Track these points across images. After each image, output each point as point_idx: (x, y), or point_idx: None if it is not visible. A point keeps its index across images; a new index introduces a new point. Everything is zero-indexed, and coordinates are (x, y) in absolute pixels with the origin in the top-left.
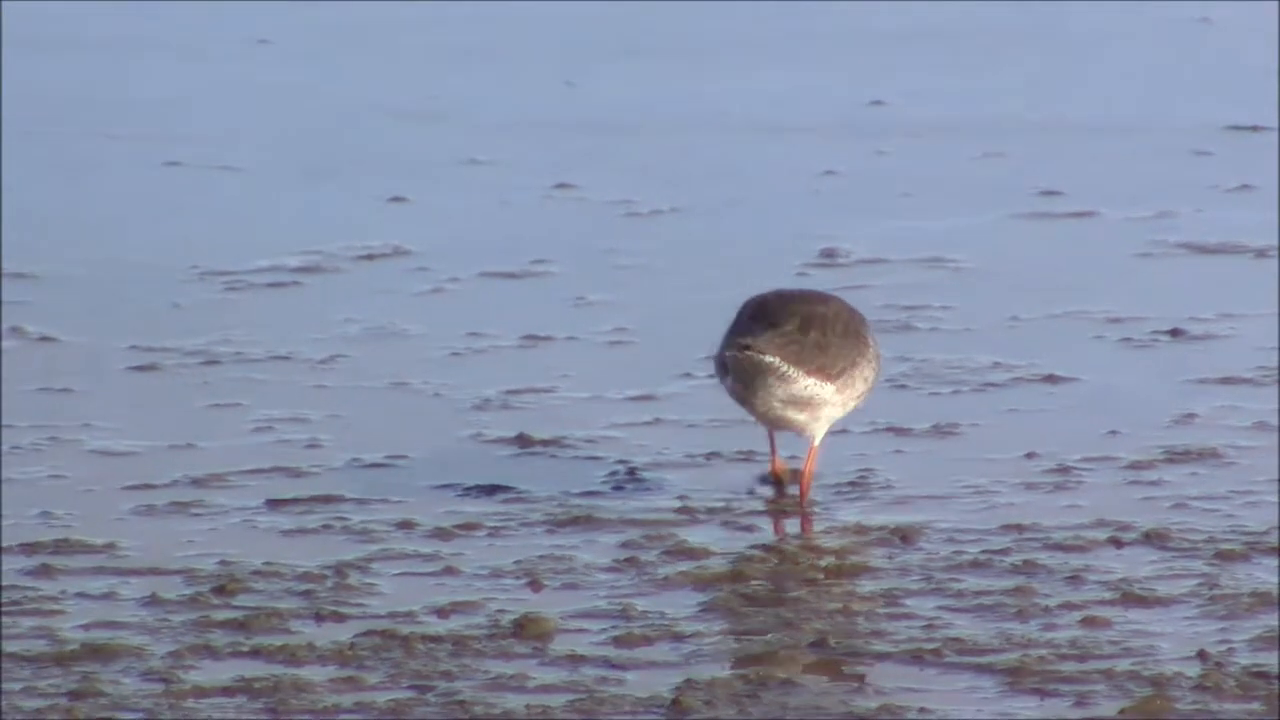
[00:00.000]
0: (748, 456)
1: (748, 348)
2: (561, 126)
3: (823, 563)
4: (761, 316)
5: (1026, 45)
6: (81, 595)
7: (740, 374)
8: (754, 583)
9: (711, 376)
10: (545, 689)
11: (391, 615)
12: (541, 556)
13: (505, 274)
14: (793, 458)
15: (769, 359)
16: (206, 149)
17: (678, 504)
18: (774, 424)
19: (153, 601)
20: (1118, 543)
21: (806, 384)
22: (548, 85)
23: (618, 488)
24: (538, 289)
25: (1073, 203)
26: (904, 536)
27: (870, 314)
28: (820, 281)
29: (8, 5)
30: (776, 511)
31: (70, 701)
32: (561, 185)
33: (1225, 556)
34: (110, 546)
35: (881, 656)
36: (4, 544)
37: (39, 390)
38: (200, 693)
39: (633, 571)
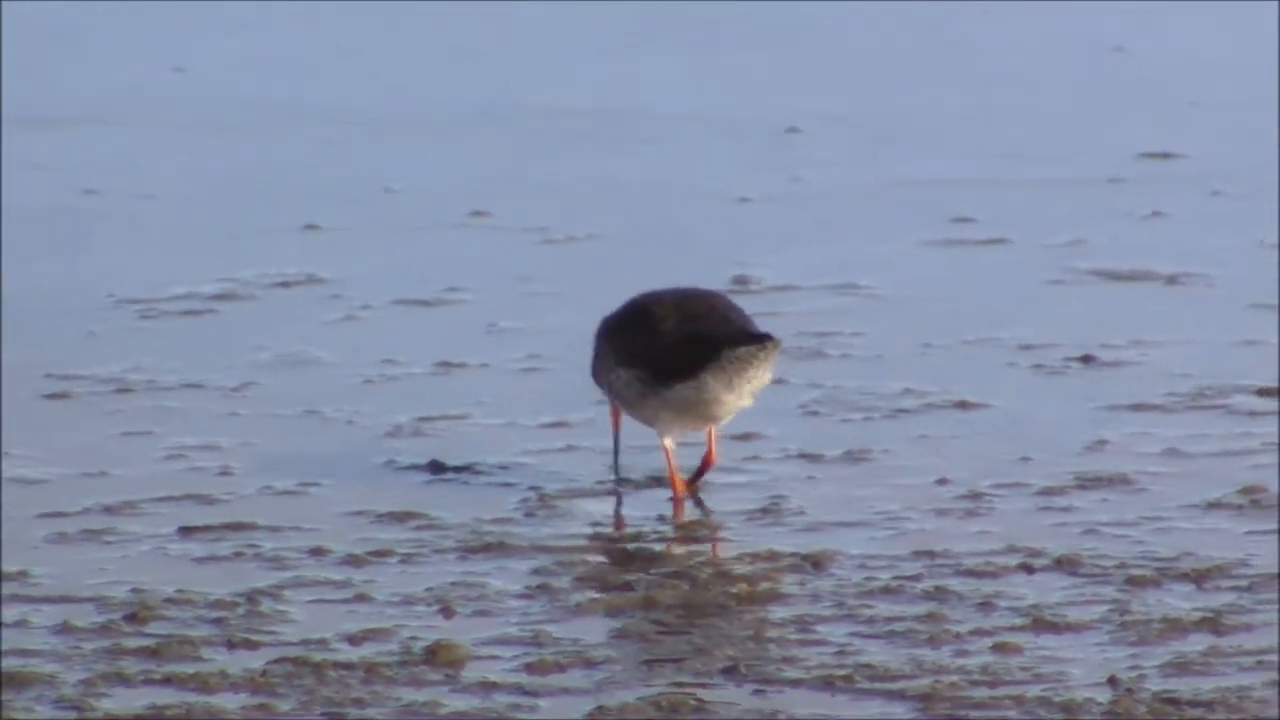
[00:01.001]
0: (659, 483)
1: (770, 337)
2: (477, 154)
3: (734, 589)
4: (702, 315)
5: (940, 73)
6: None
7: (736, 369)
8: (666, 609)
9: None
10: (457, 716)
11: (304, 642)
12: (454, 583)
13: (419, 301)
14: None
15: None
16: (122, 177)
17: (590, 530)
18: (714, 419)
19: (64, 629)
20: (1029, 569)
21: (766, 369)
22: (464, 111)
23: (530, 514)
24: (451, 316)
25: (985, 229)
26: (815, 563)
27: (784, 340)
28: None
29: None
30: (684, 536)
31: None
32: (476, 213)
33: (1136, 582)
34: (22, 574)
35: (793, 683)
36: None
37: None
38: None
39: (545, 598)
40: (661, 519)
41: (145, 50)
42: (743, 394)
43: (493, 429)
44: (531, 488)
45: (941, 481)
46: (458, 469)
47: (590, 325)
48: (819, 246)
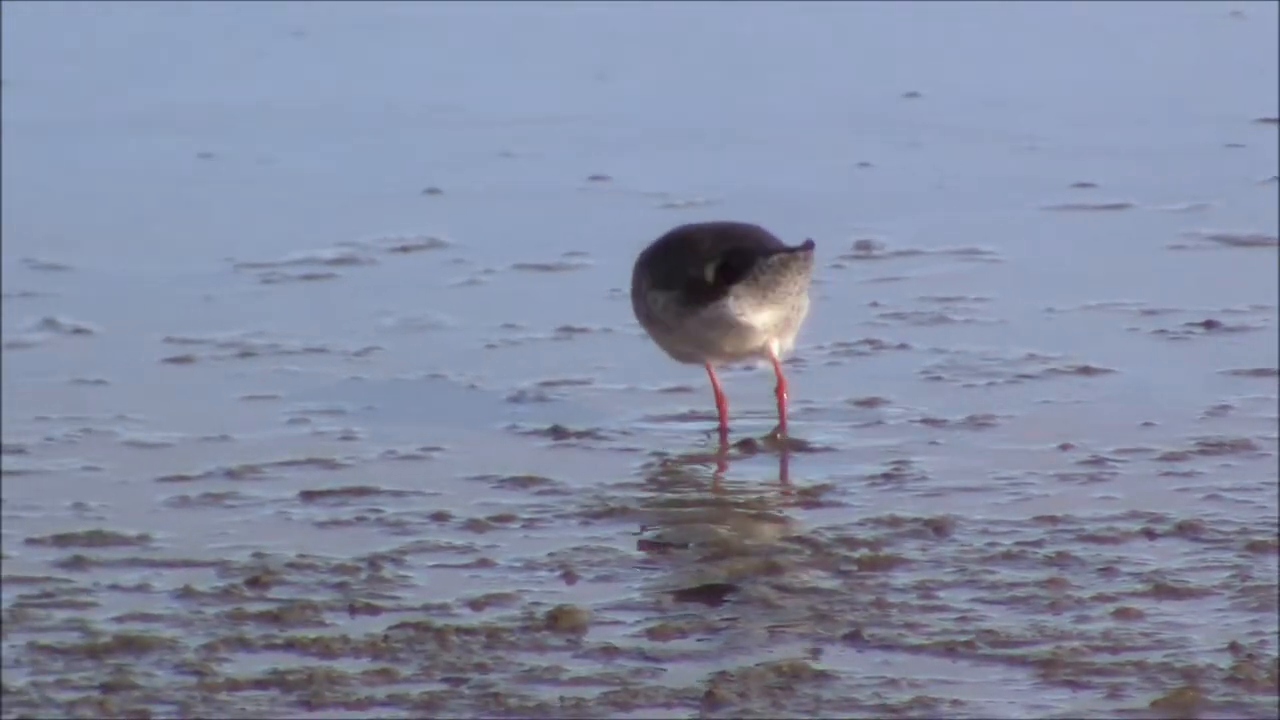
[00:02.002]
0: (784, 453)
1: (811, 246)
2: (596, 120)
3: (856, 554)
4: (731, 237)
5: (1059, 38)
6: (114, 588)
7: (769, 285)
8: (787, 575)
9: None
10: (579, 681)
11: (425, 608)
12: (576, 549)
13: (540, 266)
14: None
15: (810, 259)
16: (241, 141)
17: (712, 496)
18: (751, 347)
19: (186, 594)
20: (1150, 534)
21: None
22: (581, 79)
23: (652, 479)
24: (573, 281)
25: (1106, 195)
26: (938, 528)
27: (906, 306)
28: (855, 274)
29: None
30: (807, 501)
31: (103, 694)
32: (596, 177)
33: (1257, 548)
34: (143, 538)
35: (915, 649)
36: (37, 536)
37: (72, 382)
38: (233, 685)
39: (667, 563)
40: (785, 485)
41: (262, 13)
42: (776, 313)
43: (615, 394)
44: (654, 453)
45: (1064, 447)
46: (580, 434)
47: None
48: (940, 212)
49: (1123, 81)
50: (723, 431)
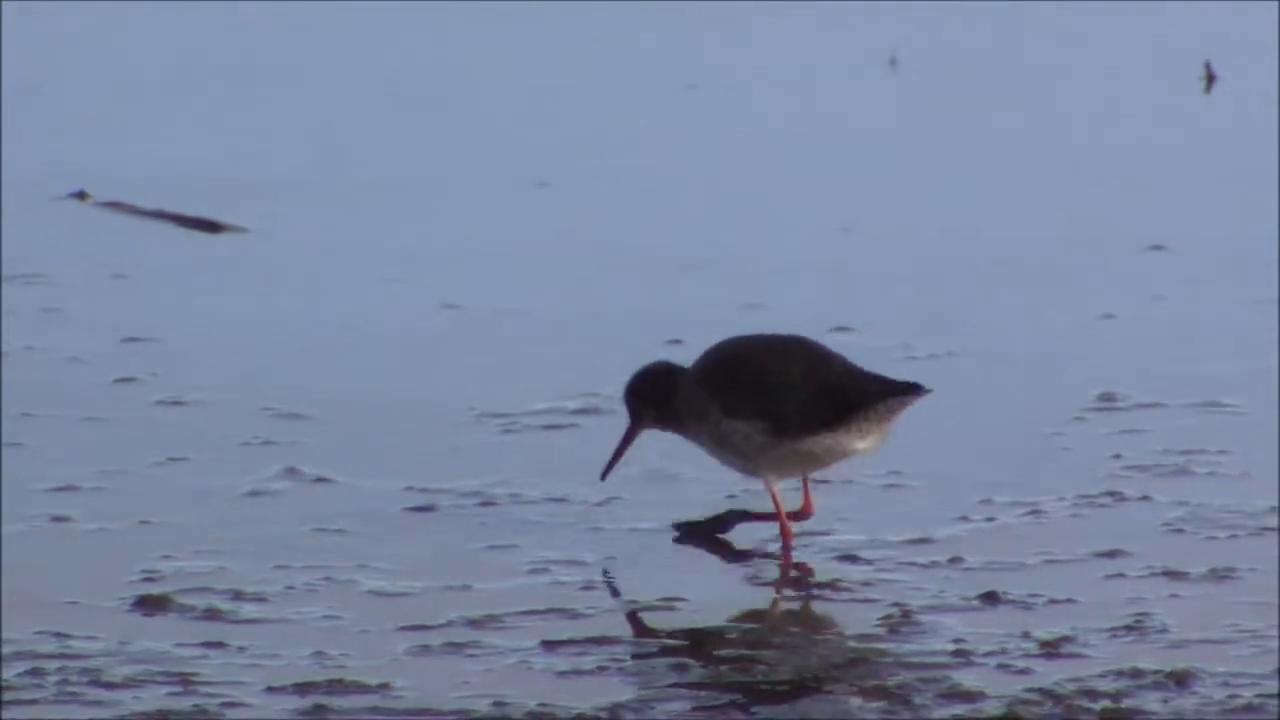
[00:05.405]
0: (1026, 603)
1: (923, 390)
2: (837, 271)
3: (1098, 706)
4: (816, 365)
5: None
6: None
7: (884, 418)
8: None
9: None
10: None
11: None
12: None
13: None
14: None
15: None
16: (484, 292)
17: (952, 647)
18: (831, 466)
19: None
20: None
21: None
22: (822, 231)
23: (893, 630)
24: None
25: None
26: (1179, 680)
27: (1149, 458)
28: (1097, 425)
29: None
30: (1048, 654)
31: None
32: (839, 328)
33: None
34: (384, 687)
35: None
36: (278, 684)
37: (314, 530)
38: None
39: (907, 714)
40: (1025, 636)
41: (507, 165)
42: (876, 442)
43: (857, 544)
44: (894, 603)
45: None
46: (821, 584)
47: (951, 443)
48: (1183, 364)
49: None
50: (786, 550)
